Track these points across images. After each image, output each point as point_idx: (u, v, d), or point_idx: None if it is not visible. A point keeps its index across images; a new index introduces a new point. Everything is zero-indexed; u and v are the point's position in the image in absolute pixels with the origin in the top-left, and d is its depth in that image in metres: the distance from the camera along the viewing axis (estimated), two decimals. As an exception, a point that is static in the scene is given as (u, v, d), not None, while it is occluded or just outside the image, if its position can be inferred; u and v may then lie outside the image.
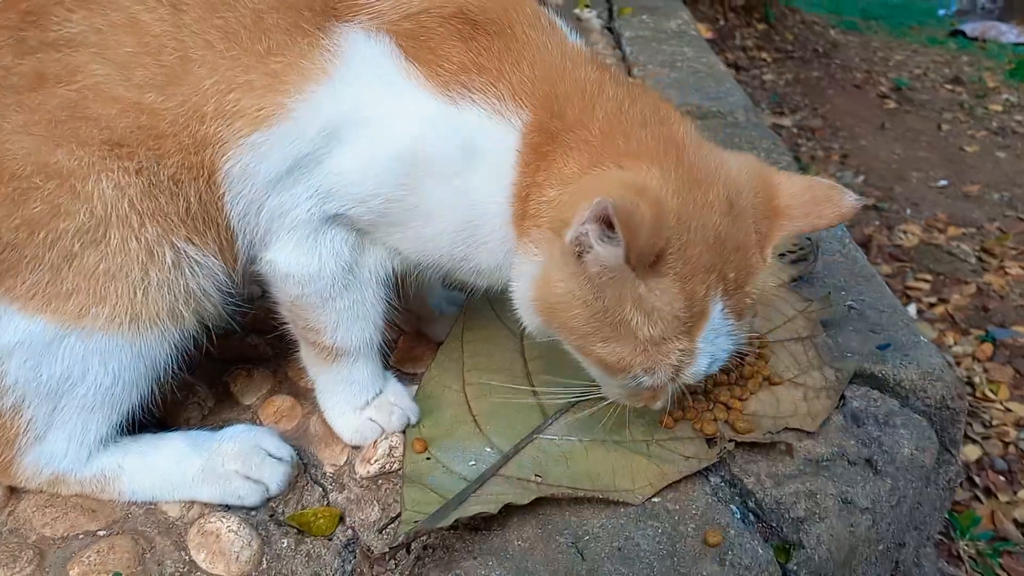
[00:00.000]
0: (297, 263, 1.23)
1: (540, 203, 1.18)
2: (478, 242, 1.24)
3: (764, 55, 6.46)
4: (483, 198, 1.20)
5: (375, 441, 1.36)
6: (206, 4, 1.12)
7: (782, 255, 1.83)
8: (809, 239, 1.85)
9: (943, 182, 4.87)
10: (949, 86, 6.45)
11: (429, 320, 1.62)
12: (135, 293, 1.16)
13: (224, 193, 1.17)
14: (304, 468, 1.35)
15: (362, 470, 1.33)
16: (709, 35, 5.55)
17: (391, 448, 1.35)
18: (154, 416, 1.32)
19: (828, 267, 1.85)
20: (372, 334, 1.34)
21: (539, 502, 1.27)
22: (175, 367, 1.26)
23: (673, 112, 1.28)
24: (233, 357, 1.56)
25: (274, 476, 1.28)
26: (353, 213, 1.21)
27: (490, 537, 1.23)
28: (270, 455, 1.29)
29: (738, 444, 1.39)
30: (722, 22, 6.69)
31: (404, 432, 1.38)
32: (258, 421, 1.44)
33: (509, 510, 1.25)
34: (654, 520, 1.27)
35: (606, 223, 1.03)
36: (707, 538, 1.23)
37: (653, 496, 1.30)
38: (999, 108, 6.02)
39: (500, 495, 1.25)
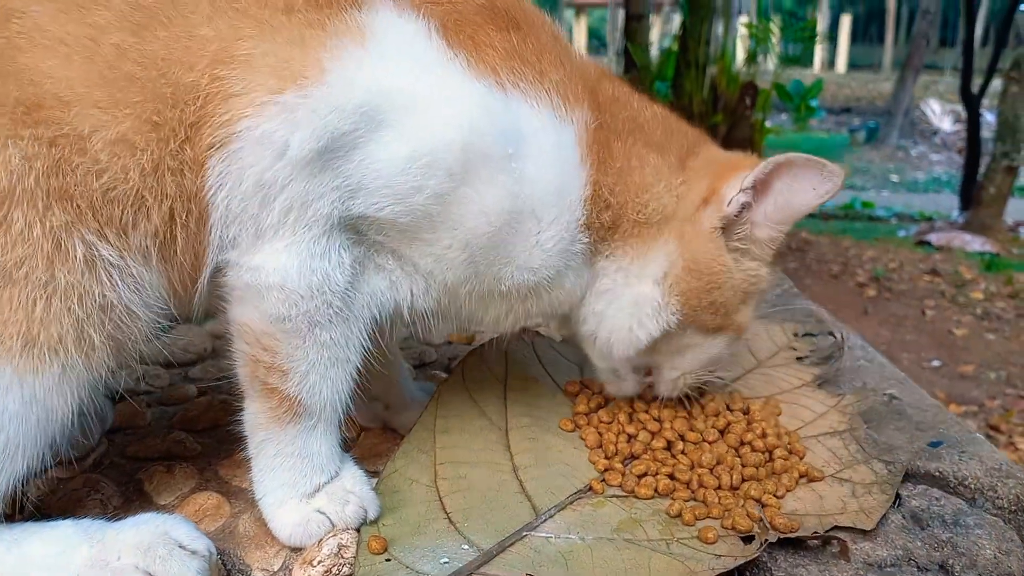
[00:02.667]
0: (297, 271, 0.98)
1: (641, 204, 1.17)
2: (531, 235, 1.09)
3: (739, 250, 6.44)
4: (546, 189, 1.07)
5: (321, 540, 1.07)
6: None
7: (800, 358, 1.61)
8: (832, 335, 1.64)
9: (936, 362, 4.72)
10: (928, 277, 6.42)
11: (399, 409, 1.35)
12: (34, 303, 0.89)
13: (212, 167, 0.94)
14: (227, 574, 1.04)
15: (301, 575, 1.03)
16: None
17: (340, 547, 1.05)
18: (38, 512, 1.02)
19: (854, 371, 1.62)
20: (342, 392, 1.08)
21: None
22: (75, 432, 0.98)
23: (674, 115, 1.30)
24: (153, 455, 1.27)
25: (184, 573, 0.97)
26: (387, 214, 0.99)
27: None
28: (181, 547, 0.99)
29: (780, 542, 1.11)
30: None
31: (359, 530, 1.09)
32: (174, 524, 1.13)
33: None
34: (682, 630, 0.97)
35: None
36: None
37: (679, 601, 1.01)
38: (980, 296, 5.96)
39: (482, 591, 0.96)
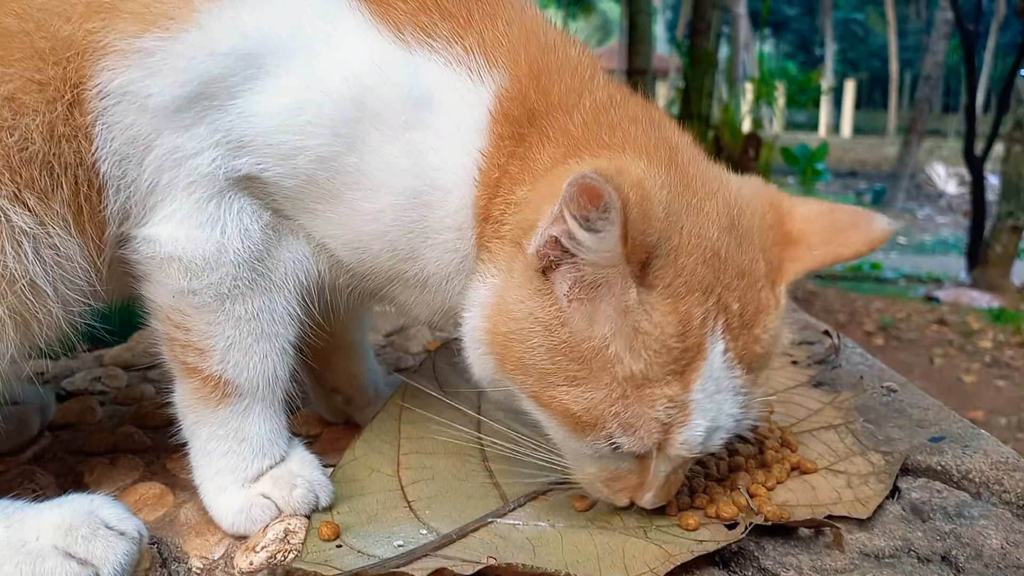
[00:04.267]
0: (189, 239, 0.91)
1: (507, 203, 0.94)
2: (429, 230, 0.95)
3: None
4: (440, 163, 0.93)
5: (267, 525, 0.98)
6: None
7: (795, 362, 1.53)
8: (828, 334, 1.56)
9: (946, 409, 4.60)
10: (936, 326, 6.33)
11: (362, 403, 1.27)
12: None
13: (94, 124, 0.87)
14: (162, 562, 0.96)
15: (243, 562, 0.94)
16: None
17: (287, 532, 0.97)
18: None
19: (852, 375, 1.53)
20: (277, 369, 0.99)
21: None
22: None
23: (669, 119, 1.06)
24: (98, 450, 1.19)
25: (109, 554, 0.88)
26: (271, 176, 0.91)
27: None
28: (107, 527, 0.91)
29: (769, 531, 1.02)
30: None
31: (309, 518, 1.00)
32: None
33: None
34: (657, 614, 0.88)
35: (586, 210, 0.80)
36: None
37: (655, 586, 0.92)
38: (989, 344, 5.86)
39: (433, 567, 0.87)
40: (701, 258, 0.90)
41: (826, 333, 1.57)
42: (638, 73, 7.39)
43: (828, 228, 1.03)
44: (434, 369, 1.28)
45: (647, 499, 0.99)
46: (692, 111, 6.73)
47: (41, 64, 0.85)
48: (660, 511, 1.03)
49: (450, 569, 0.87)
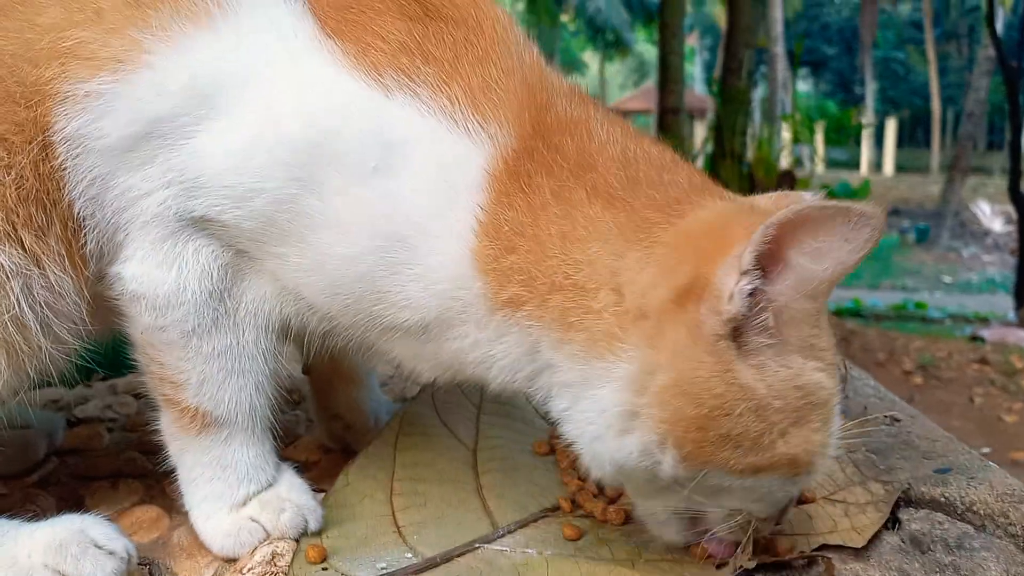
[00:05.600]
0: (149, 278, 0.92)
1: (572, 274, 0.88)
2: (418, 274, 0.92)
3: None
4: (423, 211, 0.91)
5: (255, 548, 0.99)
6: None
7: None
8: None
9: (985, 449, 4.50)
10: (976, 366, 6.21)
11: (361, 431, 1.28)
12: None
13: (63, 167, 0.90)
14: (152, 584, 0.97)
15: (231, 584, 0.95)
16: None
17: (274, 555, 0.98)
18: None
19: (859, 406, 1.51)
20: (254, 400, 1.00)
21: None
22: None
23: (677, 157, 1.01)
24: (102, 474, 1.22)
25: (97, 572, 0.90)
26: (230, 218, 0.91)
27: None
28: (97, 546, 0.92)
29: (762, 567, 1.01)
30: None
31: (298, 541, 1.01)
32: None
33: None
34: (638, 641, 0.87)
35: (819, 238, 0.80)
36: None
37: (638, 615, 0.91)
38: (1033, 384, 5.75)
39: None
40: None
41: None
42: (671, 112, 7.45)
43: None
44: (433, 399, 1.28)
45: (787, 519, 1.00)
46: (725, 149, 6.74)
47: (16, 108, 0.88)
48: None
49: (424, 591, 0.87)
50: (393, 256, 0.91)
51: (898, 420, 1.39)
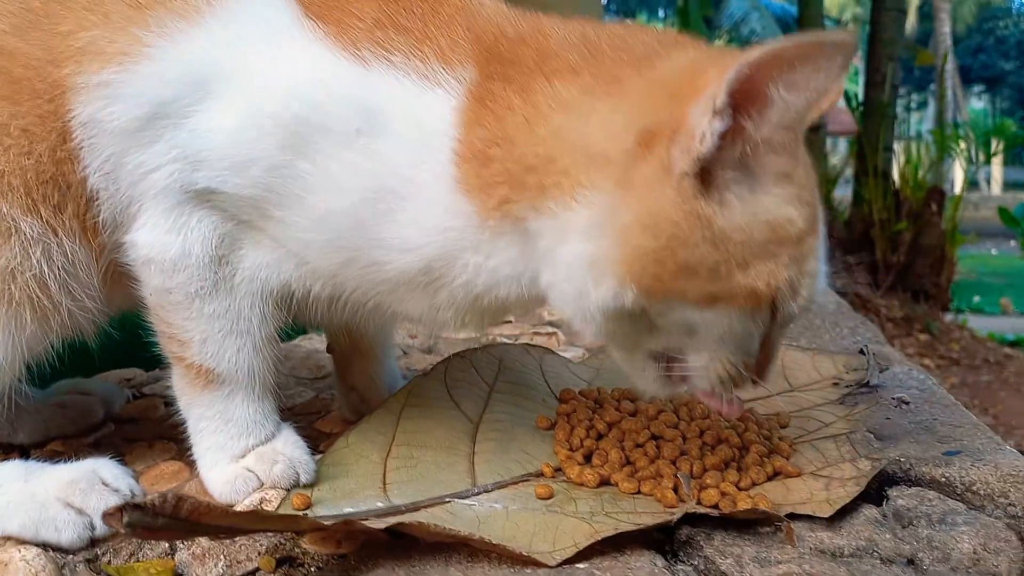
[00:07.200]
0: (158, 243, 1.05)
1: (539, 146, 0.97)
2: (411, 218, 1.02)
3: (927, 361, 6.01)
4: (407, 162, 1.01)
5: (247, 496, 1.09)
6: None
7: (837, 384, 1.49)
8: (862, 352, 1.52)
9: None
10: None
11: (376, 403, 1.34)
12: None
13: (80, 148, 1.04)
14: (157, 522, 1.08)
15: (223, 524, 1.05)
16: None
17: (263, 500, 1.07)
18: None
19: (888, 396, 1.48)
20: (253, 360, 1.11)
21: (417, 554, 0.95)
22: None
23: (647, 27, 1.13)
24: (148, 437, 1.36)
25: (101, 506, 1.02)
26: (231, 188, 1.03)
27: (334, 585, 0.92)
28: (104, 484, 1.05)
29: (731, 525, 1.04)
30: (879, 331, 6.40)
31: (289, 491, 1.10)
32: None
33: (372, 556, 0.94)
34: (568, 583, 0.91)
35: (796, 71, 0.85)
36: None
37: (578, 561, 0.95)
38: None
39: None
40: None
41: (861, 352, 1.53)
42: (811, 130, 7.23)
43: None
44: (445, 376, 1.35)
45: (771, 370, 1.06)
46: (868, 166, 6.51)
47: (40, 102, 1.03)
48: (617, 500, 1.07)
49: (359, 521, 0.94)
50: (385, 205, 1.01)
51: (906, 403, 1.36)
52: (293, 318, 1.17)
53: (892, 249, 6.53)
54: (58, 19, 1.04)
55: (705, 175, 0.90)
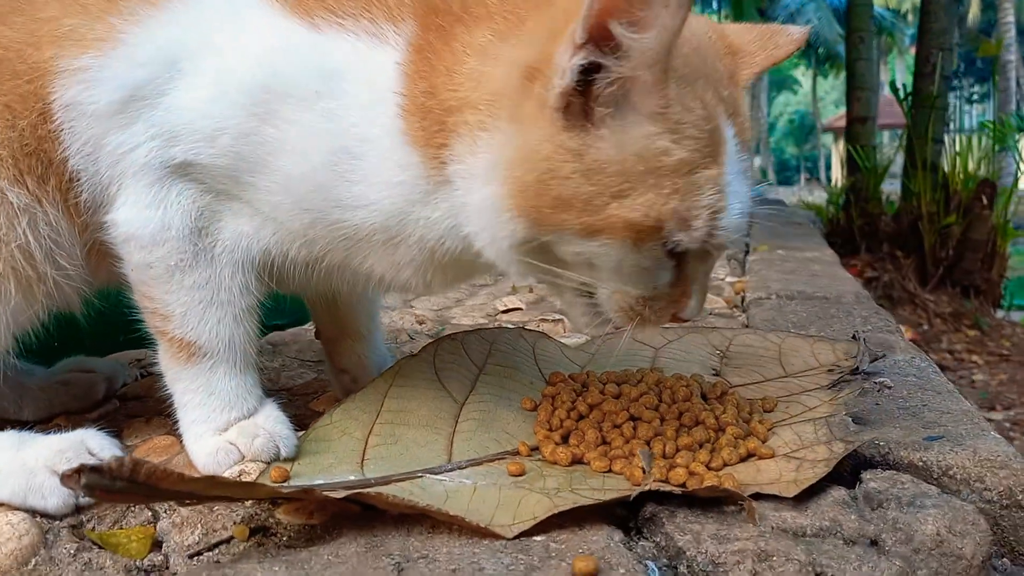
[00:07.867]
0: (139, 219, 1.09)
1: (457, 90, 1.03)
2: (367, 176, 1.07)
3: (975, 358, 5.89)
4: (359, 120, 1.06)
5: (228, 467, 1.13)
6: None
7: (831, 370, 1.49)
8: (854, 337, 1.51)
9: None
10: None
11: (365, 384, 1.39)
12: None
13: (60, 130, 1.09)
14: (143, 492, 1.13)
15: (203, 495, 1.09)
16: (911, 336, 5.21)
17: (242, 473, 1.11)
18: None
19: (896, 386, 1.47)
20: (234, 332, 1.15)
21: (381, 524, 0.98)
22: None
23: None
24: (148, 414, 1.40)
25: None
26: (205, 159, 1.07)
27: (298, 551, 0.95)
28: (90, 453, 1.10)
29: (696, 503, 1.05)
30: (926, 326, 6.30)
31: (269, 464, 1.14)
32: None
33: (338, 526, 0.98)
34: (522, 554, 0.93)
35: (636, 8, 0.88)
36: (576, 566, 0.88)
37: (536, 534, 0.97)
38: None
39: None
40: (692, 48, 1.00)
41: (853, 337, 1.52)
42: (859, 121, 7.14)
43: (759, 38, 1.15)
44: (435, 355, 1.38)
45: (691, 307, 1.08)
46: (916, 158, 6.39)
47: (20, 82, 1.09)
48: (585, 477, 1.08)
49: (318, 491, 0.97)
50: (343, 166, 1.06)
51: (888, 387, 1.36)
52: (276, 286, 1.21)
53: (941, 243, 6.41)
54: (39, 7, 1.09)
55: (586, 111, 0.95)
